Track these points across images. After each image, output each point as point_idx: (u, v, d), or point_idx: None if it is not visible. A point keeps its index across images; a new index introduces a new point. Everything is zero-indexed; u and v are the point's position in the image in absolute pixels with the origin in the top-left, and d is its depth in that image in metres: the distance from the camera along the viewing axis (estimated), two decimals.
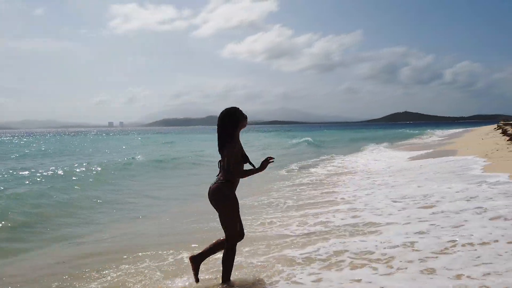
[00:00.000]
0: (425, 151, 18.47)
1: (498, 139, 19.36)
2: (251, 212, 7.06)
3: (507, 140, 16.78)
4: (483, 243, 4.17)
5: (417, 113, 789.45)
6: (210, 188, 3.54)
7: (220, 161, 3.58)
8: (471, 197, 6.39)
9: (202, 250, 3.68)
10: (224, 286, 3.60)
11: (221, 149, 3.53)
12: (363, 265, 3.92)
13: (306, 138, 35.92)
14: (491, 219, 5.01)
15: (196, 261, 3.63)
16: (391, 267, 3.78)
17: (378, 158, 16.94)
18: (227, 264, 3.59)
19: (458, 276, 3.42)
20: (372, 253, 4.26)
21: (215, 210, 3.58)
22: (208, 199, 3.57)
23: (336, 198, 7.81)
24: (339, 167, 14.16)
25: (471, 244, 4.19)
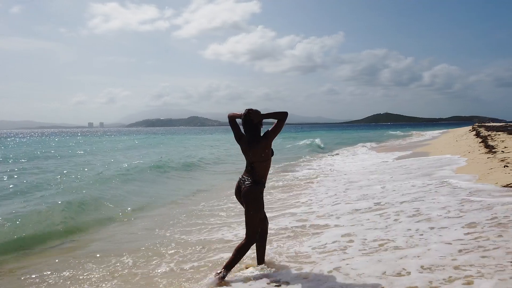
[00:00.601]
0: (409, 151, 18.97)
1: (471, 141, 20.05)
2: (207, 215, 7.28)
3: (480, 143, 17.43)
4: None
5: (397, 114, 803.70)
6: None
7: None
8: (420, 199, 6.70)
9: (228, 261, 3.83)
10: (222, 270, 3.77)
11: None
12: (289, 268, 4.06)
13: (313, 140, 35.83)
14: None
15: (226, 274, 3.78)
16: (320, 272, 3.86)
17: (359, 160, 17.32)
18: (238, 257, 3.79)
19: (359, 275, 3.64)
20: (308, 256, 4.40)
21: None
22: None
23: (298, 201, 7.98)
24: (317, 169, 14.44)
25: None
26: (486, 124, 47.50)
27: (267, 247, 4.28)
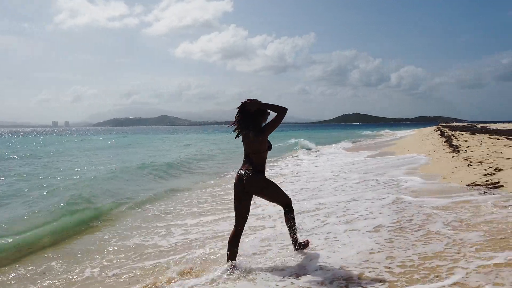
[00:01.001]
0: (377, 151, 19.38)
1: (436, 141, 20.76)
2: (149, 219, 7.16)
3: (444, 142, 18.07)
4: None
5: (366, 114, 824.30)
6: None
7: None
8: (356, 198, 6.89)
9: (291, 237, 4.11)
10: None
11: None
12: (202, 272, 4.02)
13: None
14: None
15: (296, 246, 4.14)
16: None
17: (327, 160, 17.54)
18: (294, 224, 4.02)
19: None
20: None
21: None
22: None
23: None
24: (283, 169, 14.46)
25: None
26: (450, 124, 49.43)
27: (200, 251, 4.46)
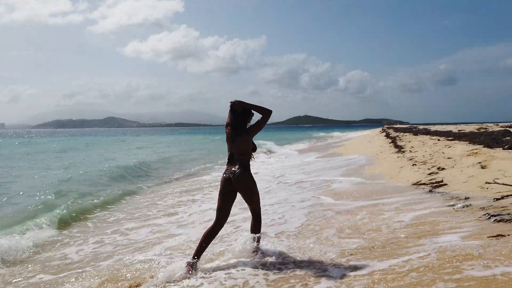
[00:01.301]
0: (327, 152, 19.77)
1: (382, 142, 21.62)
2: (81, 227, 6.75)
3: (390, 143, 18.84)
4: None
5: (316, 116, 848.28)
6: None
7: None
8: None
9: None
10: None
11: None
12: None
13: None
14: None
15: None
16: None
17: (275, 162, 17.60)
18: (259, 226, 4.12)
19: None
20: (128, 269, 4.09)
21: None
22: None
23: (176, 210, 7.49)
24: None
25: None
26: (394, 126, 51.98)
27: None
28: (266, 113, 3.93)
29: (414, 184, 7.17)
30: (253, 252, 4.00)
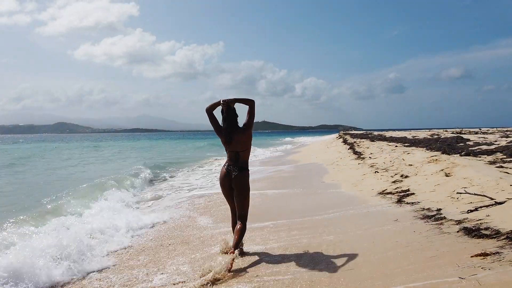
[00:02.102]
0: (284, 159, 19.45)
1: (340, 148, 21.72)
2: None
3: (348, 149, 18.89)
4: None
5: (274, 122, 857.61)
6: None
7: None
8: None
9: (233, 242, 4.03)
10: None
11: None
12: None
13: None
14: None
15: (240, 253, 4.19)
16: None
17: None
18: (242, 236, 4.11)
19: None
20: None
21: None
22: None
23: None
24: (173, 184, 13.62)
25: None
26: (350, 132, 53.16)
27: None
28: (251, 103, 4.11)
29: (380, 193, 6.90)
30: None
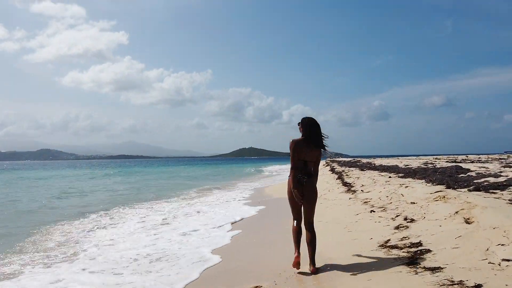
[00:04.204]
0: (268, 189, 17.78)
1: (328, 177, 20.16)
2: None
3: (337, 179, 17.34)
4: None
5: (261, 148, 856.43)
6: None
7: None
8: None
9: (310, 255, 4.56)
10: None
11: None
12: None
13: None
14: None
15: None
16: None
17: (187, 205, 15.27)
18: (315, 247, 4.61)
19: None
20: None
21: None
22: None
23: None
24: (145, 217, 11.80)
25: None
26: (337, 159, 51.86)
27: None
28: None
29: (382, 245, 5.28)
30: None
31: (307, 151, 4.61)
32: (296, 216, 4.73)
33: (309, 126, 4.65)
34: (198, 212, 11.72)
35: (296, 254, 4.59)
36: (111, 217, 11.26)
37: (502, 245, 4.03)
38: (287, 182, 4.73)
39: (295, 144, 4.62)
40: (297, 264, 4.55)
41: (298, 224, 4.73)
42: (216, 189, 20.68)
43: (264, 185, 22.09)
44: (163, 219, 10.35)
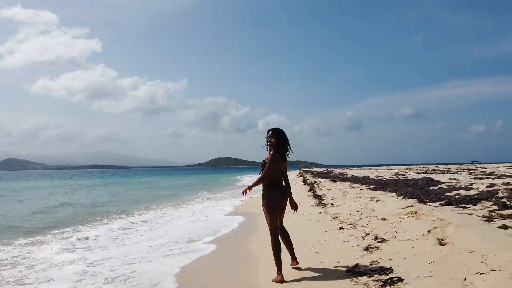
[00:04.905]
0: (240, 203, 17.13)
1: (300, 189, 19.73)
2: None
3: (308, 191, 16.90)
4: None
5: (237, 158, 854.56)
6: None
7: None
8: None
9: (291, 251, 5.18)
10: None
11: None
12: None
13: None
14: None
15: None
16: None
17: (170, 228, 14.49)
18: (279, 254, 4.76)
19: None
20: None
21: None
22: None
23: None
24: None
25: None
26: (311, 169, 51.78)
27: None
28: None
29: (350, 270, 4.73)
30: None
31: (283, 162, 4.83)
32: (275, 231, 4.75)
33: (286, 139, 4.88)
34: (167, 227, 10.94)
35: (280, 277, 4.62)
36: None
37: (481, 273, 3.57)
38: (263, 196, 4.78)
39: (274, 156, 4.76)
40: (282, 279, 4.62)
41: (278, 238, 4.79)
42: (190, 201, 19.85)
43: (240, 197, 21.41)
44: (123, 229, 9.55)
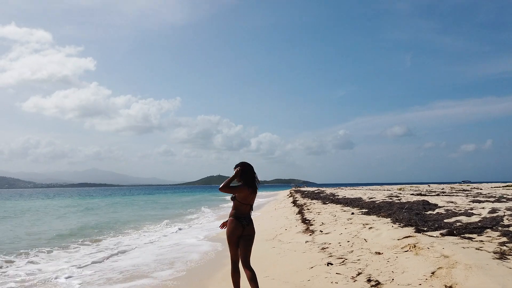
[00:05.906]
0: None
1: (288, 211, 18.71)
2: None
3: (297, 214, 15.90)
4: None
5: (229, 176, 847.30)
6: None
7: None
8: None
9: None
10: None
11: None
12: None
13: None
14: None
15: None
16: None
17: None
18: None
19: None
20: None
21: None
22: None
23: None
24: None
25: None
26: (301, 189, 50.77)
27: None
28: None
29: None
30: None
31: (252, 195, 4.77)
32: (234, 258, 4.73)
33: (252, 172, 4.84)
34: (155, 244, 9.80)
35: None
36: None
37: None
38: (227, 226, 4.74)
39: (243, 188, 4.71)
40: None
41: (237, 265, 4.74)
42: (179, 222, 18.69)
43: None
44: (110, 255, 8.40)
